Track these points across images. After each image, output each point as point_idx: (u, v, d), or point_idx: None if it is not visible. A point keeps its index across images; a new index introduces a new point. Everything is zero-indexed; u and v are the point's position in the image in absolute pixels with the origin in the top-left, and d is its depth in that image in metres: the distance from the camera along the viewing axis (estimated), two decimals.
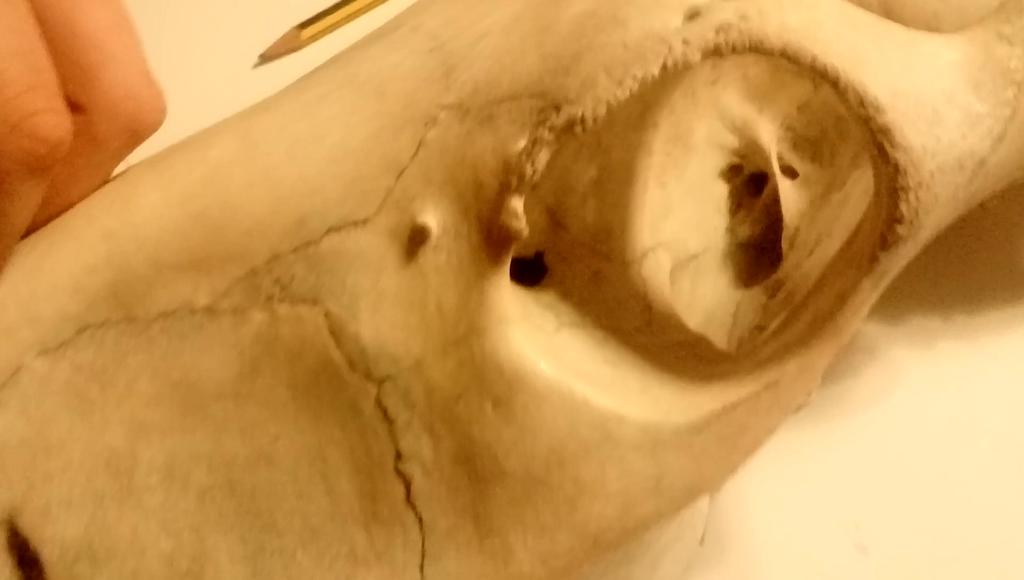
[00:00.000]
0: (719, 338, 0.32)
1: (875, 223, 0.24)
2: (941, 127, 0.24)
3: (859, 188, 0.32)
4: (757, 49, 0.23)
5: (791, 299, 0.33)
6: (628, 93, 0.23)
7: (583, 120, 0.24)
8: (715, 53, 0.23)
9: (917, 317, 0.37)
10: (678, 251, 0.30)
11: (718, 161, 0.32)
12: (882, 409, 0.36)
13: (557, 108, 0.24)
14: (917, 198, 0.23)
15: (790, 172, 0.32)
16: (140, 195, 0.28)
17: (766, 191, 0.32)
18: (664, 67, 0.23)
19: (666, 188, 0.30)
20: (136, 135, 0.28)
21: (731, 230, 0.32)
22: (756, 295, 0.33)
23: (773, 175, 0.31)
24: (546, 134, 0.24)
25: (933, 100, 0.24)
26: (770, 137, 0.31)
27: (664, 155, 0.29)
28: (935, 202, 0.24)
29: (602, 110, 0.24)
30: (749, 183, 0.33)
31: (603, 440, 0.25)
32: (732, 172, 0.32)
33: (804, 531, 0.34)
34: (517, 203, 0.24)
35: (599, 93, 0.24)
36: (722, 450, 0.25)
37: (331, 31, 0.54)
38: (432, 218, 0.25)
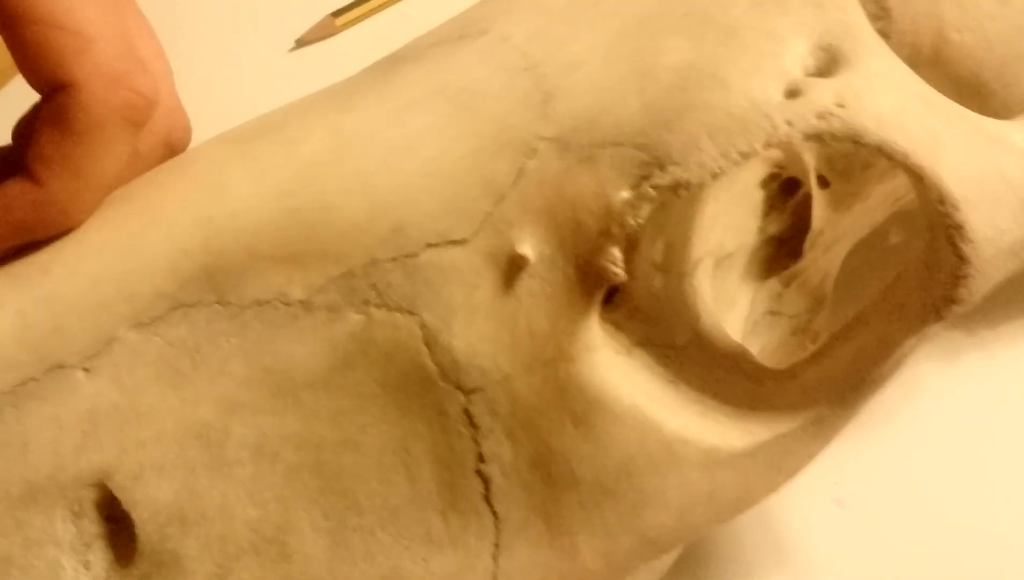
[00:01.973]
0: (737, 324, 0.35)
1: (926, 287, 0.27)
2: (999, 214, 0.27)
3: (878, 197, 0.35)
4: (856, 141, 0.25)
5: (803, 289, 0.36)
6: (733, 165, 0.25)
7: (688, 184, 0.26)
8: (815, 138, 0.25)
9: (941, 329, 0.40)
10: (719, 254, 0.33)
11: (761, 172, 0.34)
12: (905, 417, 0.38)
13: (661, 166, 0.26)
14: (975, 284, 0.26)
15: (822, 181, 0.35)
16: (232, 183, 0.29)
17: (797, 195, 0.35)
18: (767, 144, 0.26)
19: (719, 202, 0.32)
20: (171, 150, 0.32)
21: (761, 229, 0.35)
22: (772, 284, 0.36)
23: (808, 184, 0.34)
24: (651, 192, 0.26)
25: (994, 185, 0.27)
26: (811, 152, 0.34)
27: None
28: (988, 285, 0.27)
29: (708, 178, 0.26)
30: (782, 187, 0.35)
31: (669, 459, 0.28)
32: (769, 179, 0.35)
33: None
34: (618, 251, 0.26)
35: (705, 160, 0.26)
36: (769, 472, 0.28)
37: (364, 19, 0.58)
38: (530, 247, 0.27)
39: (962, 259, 0.26)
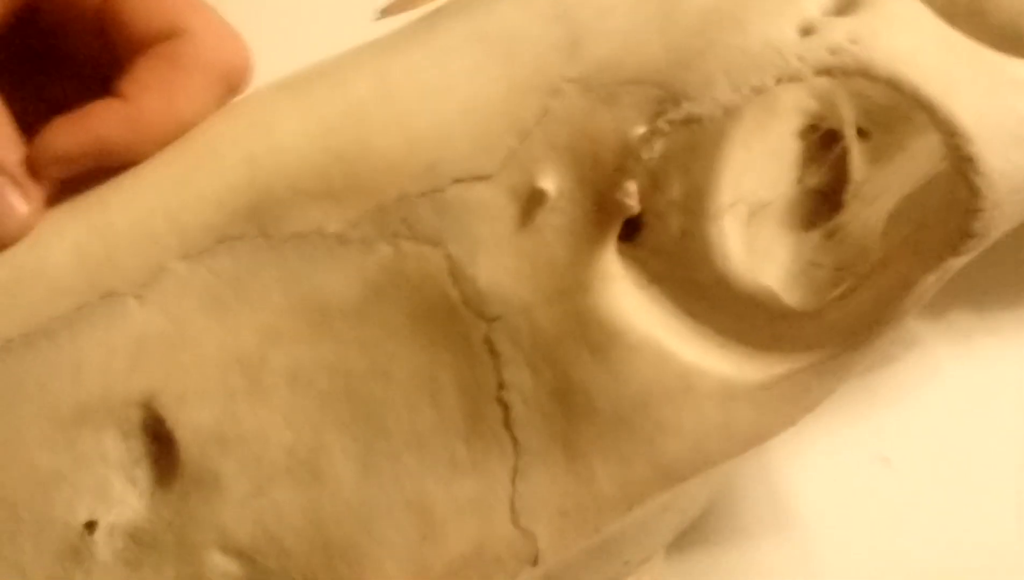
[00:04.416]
0: (777, 273, 0.35)
1: (946, 225, 0.28)
2: (1016, 150, 0.27)
3: (921, 150, 0.35)
4: (865, 74, 0.26)
5: (845, 242, 0.36)
6: (744, 101, 0.26)
7: (700, 118, 0.27)
8: (826, 73, 0.26)
9: (954, 312, 0.41)
10: (753, 201, 0.33)
11: (798, 123, 0.35)
12: (918, 396, 0.39)
13: (677, 102, 0.27)
14: (990, 217, 0.27)
15: (862, 132, 0.35)
16: (279, 121, 0.31)
17: (837, 148, 0.35)
18: (779, 79, 0.26)
19: (750, 149, 0.32)
20: (228, 83, 0.32)
21: (800, 180, 0.35)
22: (814, 236, 0.36)
23: (847, 136, 0.34)
24: (665, 126, 0.27)
25: (1012, 124, 0.27)
26: (848, 103, 0.34)
27: (753, 121, 0.32)
28: (1003, 219, 0.27)
29: (719, 112, 0.26)
30: (822, 139, 0.35)
31: (684, 389, 0.28)
32: (808, 129, 0.35)
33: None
34: (632, 184, 0.27)
35: (717, 96, 0.26)
36: (785, 406, 0.29)
37: None
38: (551, 182, 0.28)
39: (975, 192, 0.26)
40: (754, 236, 0.34)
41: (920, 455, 0.39)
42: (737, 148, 0.31)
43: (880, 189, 0.35)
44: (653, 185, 0.30)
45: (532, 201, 0.28)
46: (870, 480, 0.39)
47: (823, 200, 0.36)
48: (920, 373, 0.40)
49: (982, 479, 0.38)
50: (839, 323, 0.29)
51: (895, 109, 0.35)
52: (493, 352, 0.29)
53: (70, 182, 0.31)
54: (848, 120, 0.34)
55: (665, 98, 0.27)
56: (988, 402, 0.39)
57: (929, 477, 0.38)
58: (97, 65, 0.33)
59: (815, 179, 0.35)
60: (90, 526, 0.29)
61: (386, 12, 0.58)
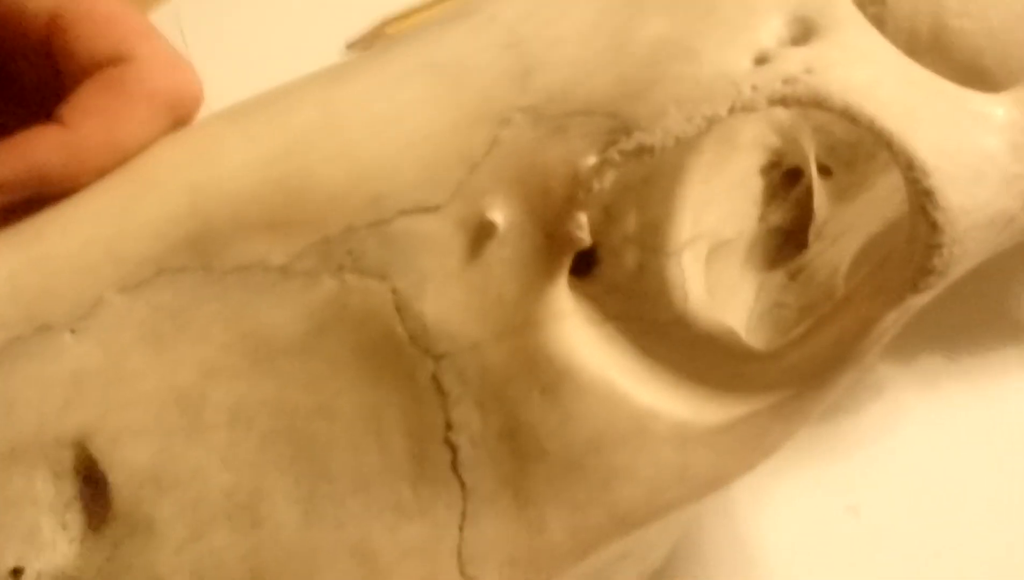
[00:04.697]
0: (740, 313, 0.34)
1: (907, 262, 0.27)
2: (979, 186, 0.26)
3: (886, 189, 0.34)
4: (820, 105, 0.25)
5: (811, 282, 0.35)
6: (697, 131, 0.25)
7: (652, 149, 0.26)
8: (780, 103, 0.25)
9: (922, 357, 0.40)
10: (714, 238, 0.32)
11: (759, 159, 0.34)
12: (885, 443, 0.39)
13: (628, 132, 0.26)
14: (950, 253, 0.26)
15: (825, 170, 0.34)
16: (223, 151, 0.30)
17: (800, 185, 0.34)
18: (731, 109, 0.25)
19: (709, 183, 0.32)
20: (175, 112, 0.31)
21: (763, 218, 0.34)
22: (778, 276, 0.35)
23: (809, 172, 0.33)
24: (616, 157, 0.26)
25: (975, 160, 0.26)
26: (810, 140, 0.33)
27: (712, 154, 0.31)
28: (965, 256, 0.26)
29: (671, 143, 0.26)
30: (784, 177, 0.35)
31: (638, 432, 0.27)
32: (770, 167, 0.34)
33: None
34: (582, 216, 0.26)
35: (670, 126, 0.26)
36: (744, 449, 0.28)
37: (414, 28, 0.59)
38: (500, 215, 0.27)
39: (934, 227, 0.25)
40: (717, 274, 0.33)
41: (887, 502, 0.38)
42: (695, 182, 0.31)
43: (844, 228, 0.35)
44: (607, 219, 0.29)
45: (481, 234, 0.27)
46: (836, 528, 0.38)
47: (788, 239, 0.35)
48: (888, 419, 0.39)
49: (951, 527, 0.37)
50: (799, 363, 0.28)
51: (859, 146, 0.34)
52: (440, 391, 0.28)
53: (6, 210, 0.30)
54: (809, 156, 0.33)
55: (616, 128, 0.26)
56: (957, 448, 0.39)
57: (897, 524, 0.37)
58: (43, 91, 0.32)
59: (779, 217, 0.35)
60: (16, 573, 0.28)
61: (355, 46, 0.58)
